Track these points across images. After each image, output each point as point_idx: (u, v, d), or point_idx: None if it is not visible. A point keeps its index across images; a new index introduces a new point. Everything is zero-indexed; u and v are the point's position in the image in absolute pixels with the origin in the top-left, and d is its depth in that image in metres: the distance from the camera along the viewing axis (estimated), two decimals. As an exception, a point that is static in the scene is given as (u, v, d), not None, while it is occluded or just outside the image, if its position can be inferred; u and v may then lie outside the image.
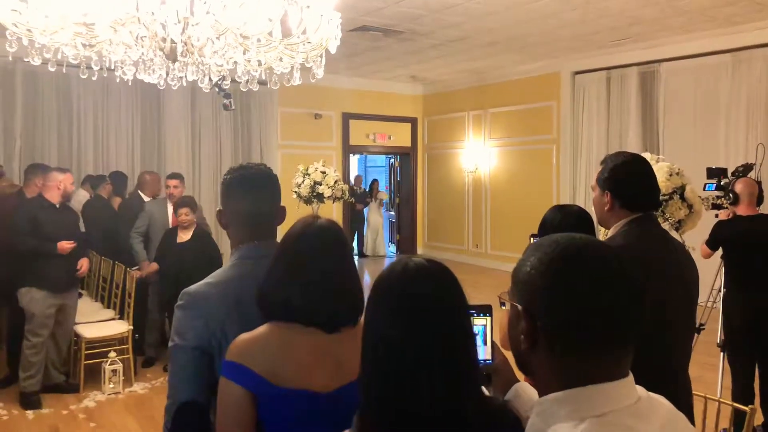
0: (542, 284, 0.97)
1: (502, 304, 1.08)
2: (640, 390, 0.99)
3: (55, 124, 8.47)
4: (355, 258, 11.95)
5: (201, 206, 6.28)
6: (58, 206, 4.90)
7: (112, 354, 5.11)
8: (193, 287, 1.72)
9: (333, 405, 1.48)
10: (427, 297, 1.15)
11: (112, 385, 5.09)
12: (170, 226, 5.90)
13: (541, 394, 1.01)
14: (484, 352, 1.42)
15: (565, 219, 2.20)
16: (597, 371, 0.94)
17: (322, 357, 1.51)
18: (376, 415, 1.12)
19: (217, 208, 1.89)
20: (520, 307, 0.99)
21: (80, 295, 6.18)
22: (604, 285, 0.94)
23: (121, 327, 5.41)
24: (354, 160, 17.24)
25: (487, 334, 1.45)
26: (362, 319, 1.60)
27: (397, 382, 1.10)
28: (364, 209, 12.95)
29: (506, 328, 1.89)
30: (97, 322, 5.54)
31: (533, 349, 0.98)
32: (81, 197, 7.38)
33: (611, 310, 0.94)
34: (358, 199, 12.34)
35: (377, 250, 12.89)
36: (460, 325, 1.16)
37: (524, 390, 1.38)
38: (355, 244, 12.86)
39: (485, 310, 1.44)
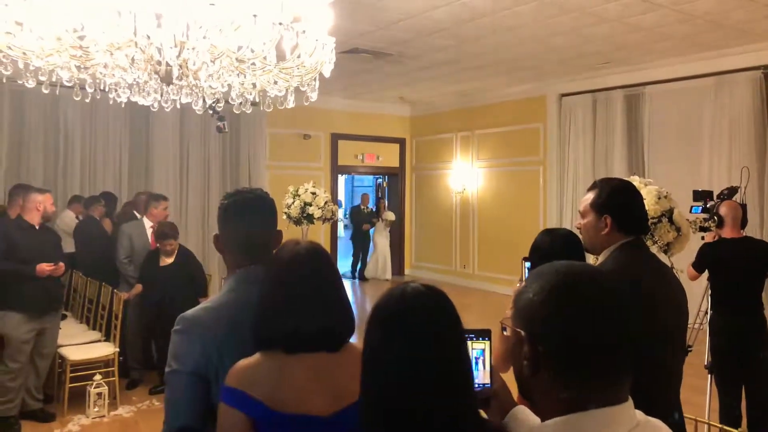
0: (544, 311, 0.99)
1: (504, 329, 1.10)
2: (639, 415, 1.01)
3: (42, 144, 8.44)
4: (353, 281, 11.79)
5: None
6: (37, 227, 4.79)
7: (98, 377, 5.04)
8: (190, 312, 1.71)
9: (331, 429, 1.49)
10: (425, 323, 1.17)
11: (96, 409, 5.00)
12: (150, 247, 5.87)
13: (542, 419, 1.02)
14: (483, 376, 1.43)
15: (555, 242, 2.27)
16: (597, 396, 0.96)
17: (320, 381, 1.51)
18: None
19: (214, 233, 1.89)
20: (522, 332, 1.01)
21: (64, 316, 6.11)
22: (605, 312, 0.97)
23: (107, 349, 5.33)
24: (341, 180, 17.21)
25: (486, 358, 1.46)
26: (359, 342, 1.62)
27: (396, 406, 1.12)
28: (371, 230, 12.24)
29: (501, 351, 1.91)
30: (83, 344, 5.46)
31: (535, 375, 1.00)
32: (67, 218, 7.33)
33: (611, 336, 0.97)
34: (364, 219, 12.07)
35: (381, 273, 12.00)
36: (456, 350, 1.19)
37: (522, 414, 1.39)
38: (347, 266, 12.32)
39: (484, 334, 1.45)
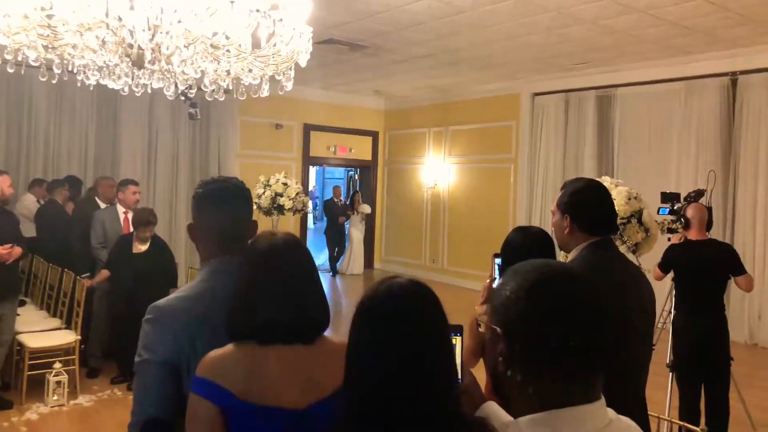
0: (520, 308, 0.99)
1: (479, 325, 1.10)
2: (611, 413, 1.03)
3: (4, 124, 8.18)
4: (327, 275, 11.50)
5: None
6: None
7: (57, 365, 4.92)
8: (162, 301, 1.68)
9: (304, 422, 1.47)
10: (411, 316, 1.17)
11: (56, 397, 4.90)
12: (123, 232, 5.75)
13: (515, 416, 1.03)
14: None
15: (527, 240, 2.26)
16: (571, 394, 0.98)
17: (293, 373, 1.50)
18: (357, 429, 1.14)
19: (188, 222, 1.85)
20: (498, 329, 1.01)
21: (24, 302, 5.96)
22: (580, 311, 0.98)
23: (68, 337, 5.22)
24: (312, 171, 17.06)
25: (457, 354, 1.45)
26: (333, 334, 1.61)
27: (379, 398, 1.12)
28: (346, 223, 11.94)
29: (470, 347, 1.91)
30: (42, 331, 5.32)
31: (510, 371, 1.00)
32: (28, 201, 7.13)
33: (586, 335, 0.97)
34: (339, 211, 11.77)
35: (353, 268, 11.82)
36: (442, 343, 1.20)
37: (493, 410, 1.40)
38: (322, 259, 11.96)
39: (456, 329, 1.45)
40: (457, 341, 1.46)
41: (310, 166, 12.34)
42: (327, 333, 1.61)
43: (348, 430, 1.15)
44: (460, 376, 1.46)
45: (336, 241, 11.90)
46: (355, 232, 11.92)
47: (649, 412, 2.25)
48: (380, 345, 1.15)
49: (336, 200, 12.06)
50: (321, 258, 12.20)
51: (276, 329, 1.50)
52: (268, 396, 1.45)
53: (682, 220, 4.37)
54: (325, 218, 12.59)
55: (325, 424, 1.17)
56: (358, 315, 1.20)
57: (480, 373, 1.59)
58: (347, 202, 12.21)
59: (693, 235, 4.31)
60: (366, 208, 11.96)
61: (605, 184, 2.66)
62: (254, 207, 6.81)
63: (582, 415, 0.97)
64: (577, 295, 1.00)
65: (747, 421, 4.44)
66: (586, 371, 0.98)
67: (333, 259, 11.89)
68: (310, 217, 16.28)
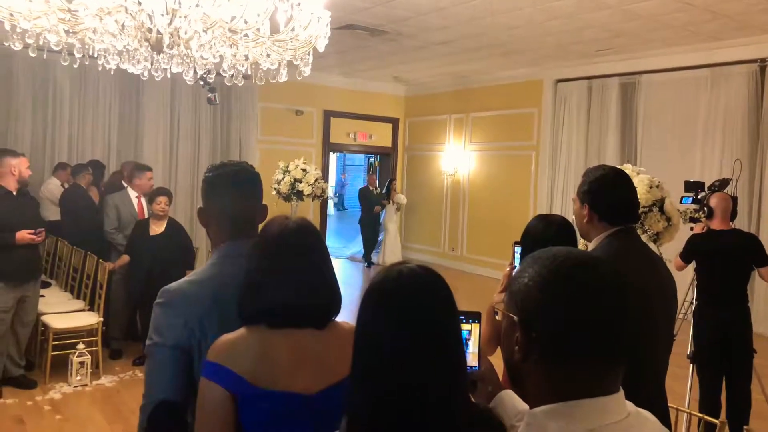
0: (539, 296, 0.97)
1: (496, 313, 1.08)
2: (630, 405, 1.00)
3: (30, 110, 8.29)
4: (360, 265, 11.35)
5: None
6: (15, 193, 4.63)
7: (81, 346, 5.02)
8: (173, 285, 1.68)
9: (315, 407, 1.48)
10: (420, 302, 1.16)
11: (79, 378, 4.99)
12: (137, 216, 5.82)
13: (531, 406, 1.01)
14: (470, 359, 1.42)
15: (548, 228, 2.21)
16: (589, 385, 0.95)
17: (304, 358, 1.50)
18: (365, 417, 1.13)
19: (198, 206, 1.85)
20: (515, 317, 0.99)
21: (48, 284, 6.06)
22: (600, 300, 0.95)
23: (91, 318, 5.31)
24: (333, 158, 17.07)
25: (474, 341, 1.45)
26: (342, 320, 1.60)
27: (387, 385, 1.11)
28: (381, 212, 11.31)
29: (488, 334, 1.90)
30: (66, 312, 5.43)
31: (526, 360, 0.98)
32: (52, 186, 7.26)
33: (606, 325, 0.95)
34: (374, 201, 11.23)
35: (390, 260, 10.44)
36: (451, 330, 1.18)
37: (509, 399, 1.39)
38: (354, 249, 11.59)
39: (474, 316, 1.44)
40: (474, 328, 1.46)
41: (331, 153, 12.31)
42: (342, 318, 1.61)
43: (356, 412, 1.15)
44: (477, 363, 1.45)
45: (371, 231, 11.41)
46: (391, 223, 11.33)
47: (668, 404, 2.22)
48: (388, 329, 1.14)
49: (371, 188, 11.55)
50: (353, 248, 11.94)
51: (285, 313, 1.50)
52: (278, 381, 1.46)
53: (705, 209, 4.30)
54: (346, 206, 12.28)
55: (335, 409, 1.17)
56: (367, 300, 1.19)
57: (498, 360, 1.58)
58: (383, 191, 11.57)
59: (716, 224, 4.24)
60: (402, 198, 11.43)
61: (627, 172, 2.61)
62: (273, 193, 6.93)
63: (600, 407, 0.94)
64: (596, 284, 0.96)
65: (769, 414, 4.39)
66: (604, 362, 0.95)
67: (368, 249, 11.43)
68: (330, 203, 16.22)
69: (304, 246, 1.57)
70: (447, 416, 1.11)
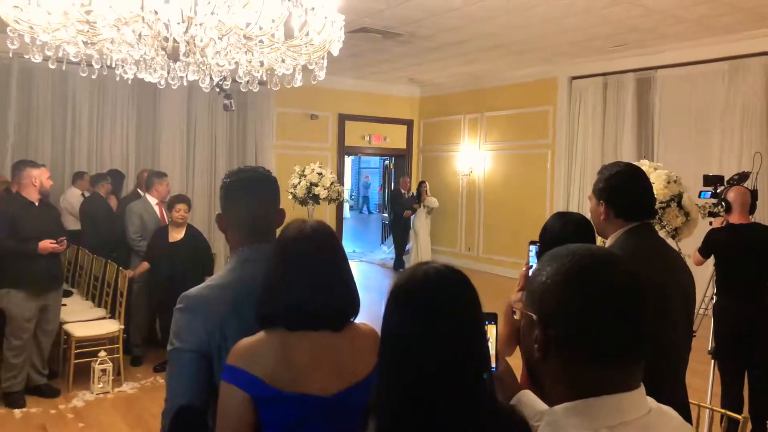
0: (557, 294, 0.97)
1: (514, 312, 1.08)
2: (651, 402, 1.00)
3: (50, 120, 8.41)
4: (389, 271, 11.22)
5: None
6: (36, 203, 4.68)
7: (102, 353, 5.06)
8: (192, 290, 1.71)
9: (333, 409, 1.49)
10: (446, 302, 1.17)
11: (101, 385, 5.03)
12: (161, 223, 5.89)
13: (551, 404, 1.01)
14: None
15: (566, 227, 2.20)
16: (609, 382, 0.94)
17: (322, 360, 1.51)
18: (392, 413, 1.14)
19: (217, 212, 1.87)
20: (534, 316, 0.99)
21: (70, 293, 6.14)
22: (619, 297, 0.95)
23: (112, 326, 5.35)
24: (347, 161, 17.10)
25: (492, 342, 1.45)
26: (361, 321, 1.61)
27: (413, 384, 1.12)
28: (411, 216, 10.93)
29: (505, 335, 1.90)
30: (88, 321, 5.48)
31: (545, 359, 0.98)
32: (71, 197, 7.33)
33: (625, 322, 0.94)
34: (405, 204, 10.97)
35: None
36: (476, 330, 1.19)
37: (528, 398, 1.39)
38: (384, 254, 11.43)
39: (490, 317, 1.44)
40: (491, 329, 1.46)
41: (346, 156, 12.33)
42: (360, 320, 1.62)
43: (382, 410, 1.16)
44: (494, 364, 1.45)
45: (403, 235, 11.21)
46: (421, 227, 10.83)
47: (690, 400, 2.21)
48: (414, 328, 1.15)
49: (403, 192, 11.24)
50: (385, 251, 11.71)
51: (302, 315, 1.51)
52: (297, 383, 1.47)
53: (724, 203, 4.25)
54: (366, 209, 12.12)
55: (354, 410, 1.18)
56: (393, 300, 1.20)
57: (516, 361, 1.58)
58: (414, 195, 11.09)
59: (735, 218, 4.19)
60: (433, 202, 10.89)
61: (644, 167, 2.60)
62: (290, 197, 6.96)
63: (620, 404, 0.94)
64: (615, 281, 0.96)
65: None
66: (624, 359, 0.95)
67: (399, 255, 11.21)
68: (346, 206, 16.24)
69: (320, 249, 1.59)
70: (473, 411, 1.12)
